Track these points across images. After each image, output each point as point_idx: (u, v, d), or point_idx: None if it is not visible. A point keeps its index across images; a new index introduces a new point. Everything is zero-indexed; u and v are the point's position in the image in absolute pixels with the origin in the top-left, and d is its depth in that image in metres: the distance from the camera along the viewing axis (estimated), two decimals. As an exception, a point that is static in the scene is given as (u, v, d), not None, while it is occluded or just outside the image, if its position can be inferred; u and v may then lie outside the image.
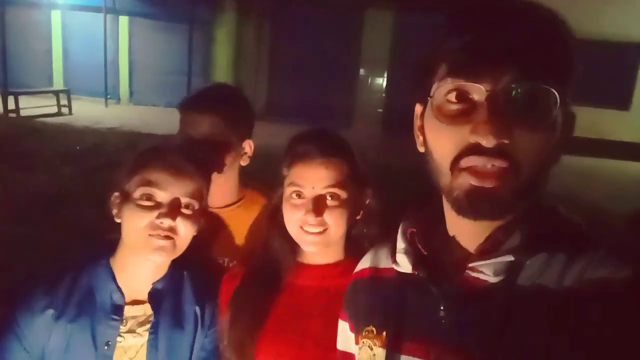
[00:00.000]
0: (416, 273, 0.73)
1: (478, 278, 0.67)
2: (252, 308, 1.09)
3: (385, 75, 12.28)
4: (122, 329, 1.07)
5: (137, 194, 1.06)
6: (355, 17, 12.00)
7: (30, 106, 10.07)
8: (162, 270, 1.14)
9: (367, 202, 1.12)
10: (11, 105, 9.85)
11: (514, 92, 0.60)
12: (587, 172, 8.05)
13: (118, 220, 1.10)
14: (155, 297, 1.12)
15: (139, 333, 1.08)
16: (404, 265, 0.76)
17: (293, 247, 1.12)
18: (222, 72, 11.37)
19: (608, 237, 0.65)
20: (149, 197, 1.06)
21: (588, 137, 9.77)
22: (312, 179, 1.04)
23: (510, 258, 0.65)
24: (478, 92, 0.61)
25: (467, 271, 0.68)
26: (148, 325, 1.09)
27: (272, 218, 1.15)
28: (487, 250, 0.67)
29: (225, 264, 1.36)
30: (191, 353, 1.13)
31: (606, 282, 0.58)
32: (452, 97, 0.64)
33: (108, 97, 12.69)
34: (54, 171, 5.66)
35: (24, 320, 1.05)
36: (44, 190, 4.86)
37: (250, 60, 12.21)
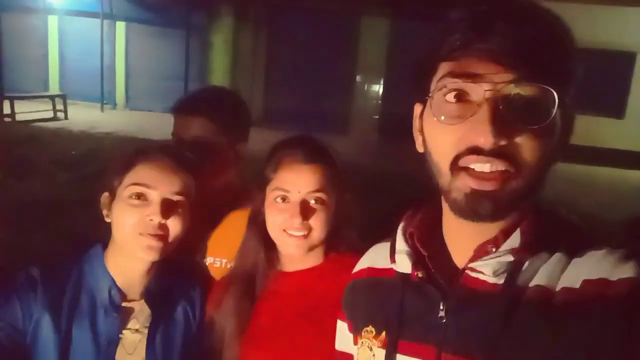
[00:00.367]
0: (415, 273, 0.73)
1: (477, 278, 0.67)
2: (234, 316, 1.11)
3: (382, 82, 12.33)
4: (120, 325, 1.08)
5: (126, 193, 1.07)
6: (351, 24, 12.06)
7: (26, 111, 10.04)
8: (155, 269, 1.14)
9: (347, 206, 1.14)
10: (7, 109, 9.82)
11: (513, 93, 0.60)
12: (581, 179, 8.09)
13: (108, 220, 1.11)
14: (151, 295, 1.13)
15: (136, 329, 1.09)
16: (403, 265, 0.76)
17: (272, 254, 1.14)
18: (218, 78, 11.37)
19: (607, 238, 0.65)
20: (139, 196, 1.07)
21: (582, 145, 9.83)
22: (299, 183, 1.05)
23: (510, 258, 0.64)
24: (477, 92, 0.61)
25: (466, 271, 0.68)
26: (143, 321, 1.10)
27: (253, 223, 1.16)
28: (487, 250, 0.67)
29: (223, 266, 1.36)
30: (185, 347, 1.15)
31: (605, 282, 0.59)
32: (451, 97, 0.64)
33: (104, 102, 12.68)
34: (50, 176, 5.63)
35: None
36: (39, 195, 4.83)
37: (246, 67, 12.23)
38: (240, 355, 1.09)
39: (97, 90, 12.47)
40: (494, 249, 0.67)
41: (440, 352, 0.68)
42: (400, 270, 0.77)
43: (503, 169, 0.61)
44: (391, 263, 0.79)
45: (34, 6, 12.85)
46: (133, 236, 1.06)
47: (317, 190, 1.06)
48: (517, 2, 0.63)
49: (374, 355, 0.77)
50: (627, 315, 0.56)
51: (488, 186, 0.61)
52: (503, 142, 0.60)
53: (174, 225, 1.09)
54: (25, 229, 3.78)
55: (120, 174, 1.10)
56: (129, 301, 1.11)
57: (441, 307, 0.69)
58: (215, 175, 1.36)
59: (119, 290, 1.10)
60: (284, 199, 1.07)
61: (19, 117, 9.85)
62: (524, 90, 0.60)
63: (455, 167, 0.63)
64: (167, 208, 1.07)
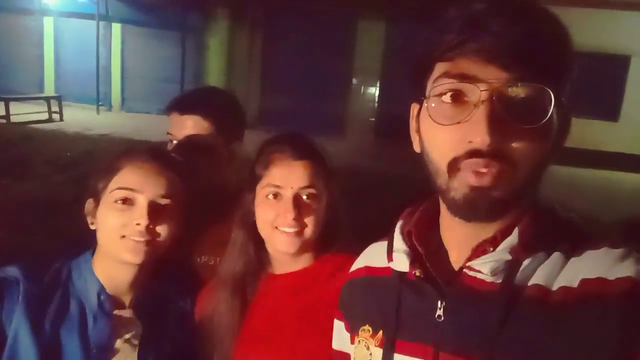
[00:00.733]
0: (413, 272, 0.73)
1: (475, 277, 0.67)
2: (225, 317, 1.10)
3: (378, 84, 12.36)
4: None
5: (111, 198, 1.05)
6: (347, 27, 12.08)
7: (21, 112, 10.00)
8: (144, 278, 1.12)
9: (337, 204, 1.13)
10: (1, 111, 9.78)
11: (509, 93, 0.60)
12: (575, 182, 8.13)
13: (93, 228, 1.09)
14: (140, 306, 1.11)
15: (126, 339, 1.07)
16: (401, 264, 0.75)
17: (263, 256, 1.14)
18: (214, 79, 11.36)
19: (606, 237, 0.65)
20: (124, 200, 1.05)
21: (577, 148, 9.88)
22: (291, 179, 1.05)
23: (508, 256, 0.64)
24: (473, 92, 0.61)
25: (464, 270, 0.68)
26: (134, 331, 1.08)
27: (242, 224, 1.14)
28: (485, 250, 0.67)
29: (217, 264, 1.36)
30: (176, 352, 1.13)
31: (603, 281, 0.59)
32: (447, 97, 0.64)
33: (100, 104, 12.64)
34: (45, 177, 5.61)
35: None
36: (34, 196, 4.81)
37: (242, 68, 12.23)
38: (236, 356, 1.08)
39: (92, 91, 12.44)
40: (491, 249, 0.67)
41: (437, 351, 0.67)
42: (398, 269, 0.76)
43: (500, 168, 0.61)
44: (388, 262, 0.79)
45: (29, 7, 12.81)
46: (118, 239, 1.04)
47: (309, 186, 1.05)
48: (512, 1, 0.63)
49: (371, 354, 0.77)
50: (625, 314, 0.56)
51: (485, 185, 0.61)
52: (500, 142, 0.60)
53: (162, 229, 1.06)
54: (20, 229, 3.76)
55: (105, 179, 1.08)
56: (119, 309, 1.09)
57: (439, 306, 0.68)
58: (209, 174, 1.35)
59: (109, 296, 1.07)
60: (275, 195, 1.06)
61: (14, 119, 9.81)
62: (520, 89, 0.60)
63: (453, 167, 0.63)
64: (154, 211, 1.05)
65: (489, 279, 0.65)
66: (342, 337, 0.90)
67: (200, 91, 1.57)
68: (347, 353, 0.88)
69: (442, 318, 0.68)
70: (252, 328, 1.10)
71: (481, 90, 0.60)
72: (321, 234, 1.10)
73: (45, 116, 10.71)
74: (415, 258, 0.74)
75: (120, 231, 1.04)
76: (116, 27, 13.31)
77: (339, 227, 1.13)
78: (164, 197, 1.07)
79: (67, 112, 11.08)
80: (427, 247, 0.75)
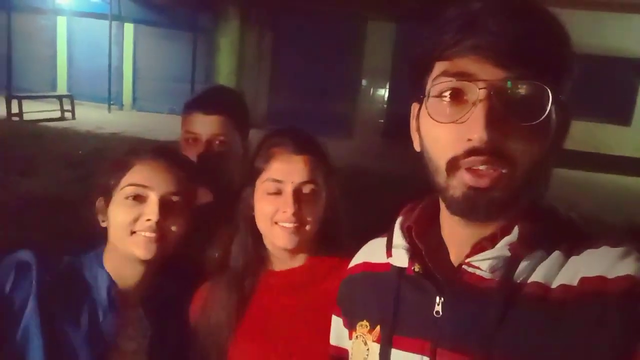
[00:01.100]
0: (412, 267, 0.73)
1: (474, 274, 0.66)
2: (224, 312, 1.10)
3: (387, 85, 12.34)
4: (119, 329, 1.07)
5: (122, 194, 1.07)
6: (357, 28, 12.08)
7: (34, 110, 10.12)
8: (153, 276, 1.13)
9: (337, 201, 1.13)
10: (15, 109, 9.90)
11: (507, 91, 0.60)
12: (588, 186, 8.05)
13: (104, 225, 1.11)
14: (149, 305, 1.12)
15: (133, 336, 1.08)
16: (400, 259, 0.75)
17: (262, 252, 1.13)
18: (224, 80, 11.41)
19: (606, 236, 0.65)
20: (135, 197, 1.07)
21: (589, 152, 9.79)
22: (292, 174, 1.05)
23: (507, 253, 0.64)
24: (472, 91, 0.61)
25: (463, 266, 0.68)
26: (141, 329, 1.09)
27: (241, 219, 1.14)
28: (484, 247, 0.67)
29: None
30: (183, 350, 1.14)
31: (603, 280, 0.59)
32: (446, 96, 0.64)
33: (111, 103, 12.76)
34: (56, 175, 5.67)
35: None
36: (45, 193, 4.86)
37: (252, 69, 12.28)
38: (233, 353, 1.08)
39: (104, 90, 12.55)
40: (491, 246, 0.67)
41: (435, 347, 0.67)
42: (397, 265, 0.76)
43: (499, 169, 0.61)
44: (387, 257, 0.79)
45: (43, 7, 12.97)
46: (128, 235, 1.05)
47: (310, 182, 1.05)
48: (511, 1, 0.63)
49: (368, 349, 0.77)
50: (624, 312, 0.56)
51: (484, 184, 0.61)
52: (498, 140, 0.60)
53: (172, 226, 1.08)
54: (31, 226, 3.81)
55: (116, 176, 1.09)
56: (128, 306, 1.10)
57: (437, 302, 0.69)
58: (230, 174, 1.39)
59: (118, 292, 1.08)
60: (276, 190, 1.05)
61: (26, 117, 9.93)
62: (518, 87, 0.60)
63: (452, 166, 0.63)
64: (165, 208, 1.07)
65: (487, 275, 0.65)
66: (340, 333, 0.90)
67: (218, 91, 1.61)
68: (345, 349, 0.88)
69: (441, 314, 0.68)
70: (250, 325, 1.09)
71: (479, 89, 0.60)
72: (319, 232, 1.09)
73: (57, 114, 10.82)
74: (414, 254, 0.74)
75: (131, 227, 1.05)
76: (128, 27, 13.43)
77: (338, 225, 1.13)
78: (174, 194, 1.09)
79: (79, 111, 11.19)
80: (427, 244, 0.75)
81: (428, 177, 0.69)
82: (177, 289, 1.18)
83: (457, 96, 0.63)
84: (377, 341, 0.76)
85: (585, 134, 9.66)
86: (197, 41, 12.56)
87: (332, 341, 0.93)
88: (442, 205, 0.72)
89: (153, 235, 1.05)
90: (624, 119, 11.09)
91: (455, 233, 0.72)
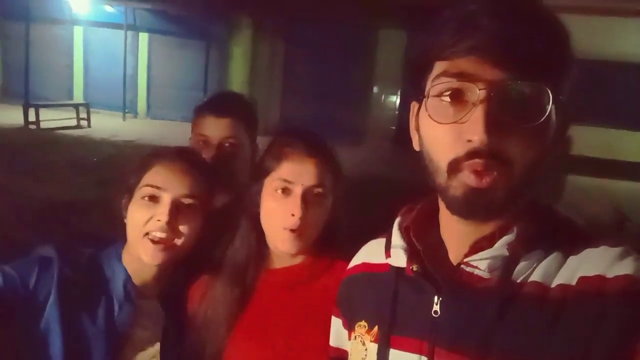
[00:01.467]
0: (410, 267, 0.73)
1: (472, 274, 0.66)
2: (223, 306, 1.09)
3: (399, 92, 12.32)
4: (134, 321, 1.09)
5: (140, 194, 1.09)
6: (369, 36, 12.10)
7: (51, 118, 10.28)
8: (171, 270, 1.15)
9: (340, 204, 1.12)
10: (32, 117, 10.08)
11: (507, 91, 0.60)
12: (603, 193, 7.93)
13: (126, 222, 1.13)
14: (166, 297, 1.14)
15: (147, 327, 1.10)
16: (399, 259, 0.75)
17: (263, 248, 1.12)
18: (237, 88, 11.50)
19: (604, 236, 0.65)
20: (150, 197, 1.08)
21: (603, 158, 9.66)
22: (303, 175, 1.04)
23: (505, 252, 0.64)
24: (471, 91, 0.61)
25: (461, 266, 0.68)
26: (156, 321, 1.11)
27: (245, 214, 1.13)
28: (483, 247, 0.67)
29: None
30: None
31: (601, 279, 0.58)
32: (446, 96, 0.64)
33: (126, 111, 12.93)
34: (72, 181, 5.76)
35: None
36: (61, 198, 4.94)
37: (264, 77, 12.36)
38: (232, 348, 1.07)
39: (119, 99, 12.73)
40: (489, 246, 0.66)
41: (433, 346, 0.67)
42: (395, 265, 0.76)
43: (499, 171, 0.61)
44: (386, 257, 0.78)
45: (60, 17, 13.22)
46: (139, 238, 1.07)
47: (319, 185, 1.04)
48: (509, 0, 0.63)
49: (366, 349, 0.77)
50: (623, 311, 0.56)
51: (484, 183, 0.61)
52: (498, 141, 0.59)
53: (183, 228, 1.09)
54: (47, 232, 3.87)
55: (137, 176, 1.12)
56: (144, 299, 1.12)
57: (435, 302, 0.68)
58: (241, 176, 1.40)
59: (134, 286, 1.10)
60: (284, 190, 1.04)
61: (43, 125, 10.10)
62: (518, 88, 0.60)
63: (452, 166, 0.63)
64: (177, 210, 1.08)
65: (486, 275, 0.65)
66: (340, 334, 0.90)
67: (228, 95, 1.65)
68: (345, 350, 0.87)
69: (439, 314, 0.68)
70: (249, 320, 1.09)
71: (480, 89, 0.60)
72: (320, 234, 1.09)
73: (73, 122, 10.99)
74: (413, 254, 0.74)
75: (143, 228, 1.07)
76: (143, 37, 13.62)
77: (339, 228, 1.13)
78: (188, 196, 1.10)
79: (94, 119, 11.36)
80: (425, 244, 0.75)
81: (427, 177, 0.69)
82: (192, 282, 1.19)
83: (457, 96, 0.62)
84: (375, 341, 0.75)
85: (600, 140, 9.54)
86: (210, 50, 12.69)
87: (332, 342, 0.93)
88: (442, 205, 0.71)
89: (163, 235, 1.06)
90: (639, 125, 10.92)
91: (454, 233, 0.71)
